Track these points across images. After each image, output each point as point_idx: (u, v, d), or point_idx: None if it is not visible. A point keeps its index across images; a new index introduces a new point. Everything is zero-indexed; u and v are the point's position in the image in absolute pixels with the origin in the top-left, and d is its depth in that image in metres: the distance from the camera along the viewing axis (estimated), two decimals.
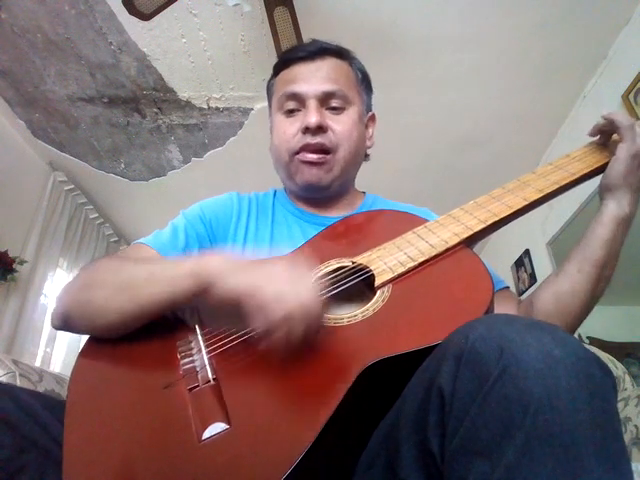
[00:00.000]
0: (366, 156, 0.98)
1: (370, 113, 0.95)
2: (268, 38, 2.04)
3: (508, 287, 0.83)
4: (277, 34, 1.91)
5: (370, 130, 0.95)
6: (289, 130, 0.86)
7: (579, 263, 0.70)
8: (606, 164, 0.72)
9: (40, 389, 0.87)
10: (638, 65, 2.00)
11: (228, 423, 0.49)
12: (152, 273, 0.62)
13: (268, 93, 0.96)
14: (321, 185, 0.85)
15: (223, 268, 0.57)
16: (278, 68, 0.93)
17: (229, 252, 0.62)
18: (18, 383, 0.83)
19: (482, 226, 0.68)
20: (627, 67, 2.07)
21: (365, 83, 0.94)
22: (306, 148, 0.83)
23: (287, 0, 1.82)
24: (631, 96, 2.04)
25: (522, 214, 0.71)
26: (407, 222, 0.74)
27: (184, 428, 0.49)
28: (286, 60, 0.91)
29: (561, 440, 0.33)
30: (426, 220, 0.74)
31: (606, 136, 0.76)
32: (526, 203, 0.70)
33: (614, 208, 0.70)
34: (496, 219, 0.69)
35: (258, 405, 0.51)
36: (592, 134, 0.76)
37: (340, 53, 0.91)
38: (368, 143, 0.94)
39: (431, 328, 0.48)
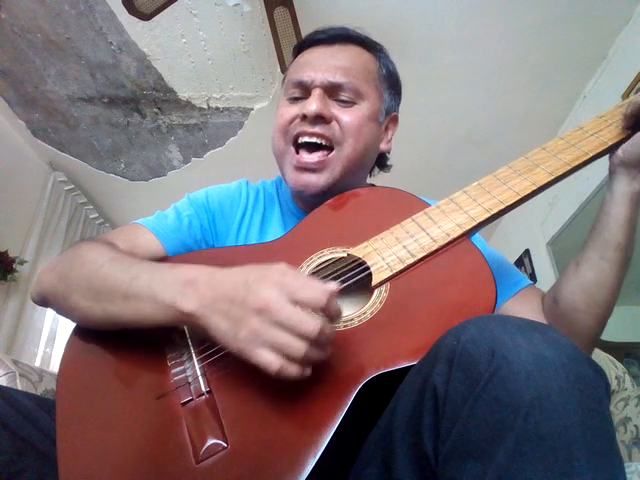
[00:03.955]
0: (385, 166, 0.91)
1: (392, 114, 0.86)
2: (268, 38, 2.04)
3: (531, 284, 0.77)
4: (277, 34, 1.91)
5: (389, 133, 0.86)
6: (287, 114, 0.78)
7: (600, 249, 0.64)
8: (622, 141, 0.65)
9: (40, 389, 0.87)
10: (638, 65, 2.00)
11: (225, 441, 0.47)
12: (130, 291, 0.55)
13: (283, 79, 0.88)
14: (316, 193, 0.75)
15: (204, 305, 0.50)
16: (296, 51, 0.86)
17: (212, 272, 0.54)
18: (18, 383, 0.83)
19: (487, 216, 0.63)
20: (627, 67, 2.07)
21: (390, 81, 0.84)
22: (303, 135, 0.75)
23: (287, 0, 1.82)
24: (631, 96, 2.03)
25: (530, 198, 0.65)
26: (405, 204, 0.69)
27: (180, 447, 0.48)
28: (304, 43, 0.84)
29: (552, 442, 0.33)
30: (425, 203, 0.68)
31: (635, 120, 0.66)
32: (535, 188, 0.63)
33: (626, 185, 0.64)
34: (502, 207, 0.63)
35: (254, 421, 0.49)
36: (626, 126, 0.66)
37: (366, 43, 0.82)
38: (384, 146, 0.85)
39: (432, 340, 0.46)
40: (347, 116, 0.75)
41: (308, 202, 0.82)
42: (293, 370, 0.45)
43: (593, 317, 0.65)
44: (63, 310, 0.63)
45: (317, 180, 0.75)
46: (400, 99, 0.88)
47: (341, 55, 0.78)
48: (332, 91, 0.76)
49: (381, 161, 0.90)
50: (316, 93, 0.75)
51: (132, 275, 0.56)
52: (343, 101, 0.77)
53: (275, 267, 0.50)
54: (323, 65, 0.77)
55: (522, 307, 0.71)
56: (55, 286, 0.63)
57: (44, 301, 0.66)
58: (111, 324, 0.58)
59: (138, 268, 0.58)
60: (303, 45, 0.84)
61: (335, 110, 0.76)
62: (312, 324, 0.45)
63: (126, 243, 0.70)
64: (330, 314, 0.48)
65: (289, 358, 0.45)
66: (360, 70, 0.78)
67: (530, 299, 0.73)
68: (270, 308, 0.46)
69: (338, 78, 0.76)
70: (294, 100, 0.79)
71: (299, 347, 0.45)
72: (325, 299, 0.46)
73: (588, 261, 0.65)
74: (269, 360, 0.45)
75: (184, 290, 0.52)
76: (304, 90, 0.78)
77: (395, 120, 0.87)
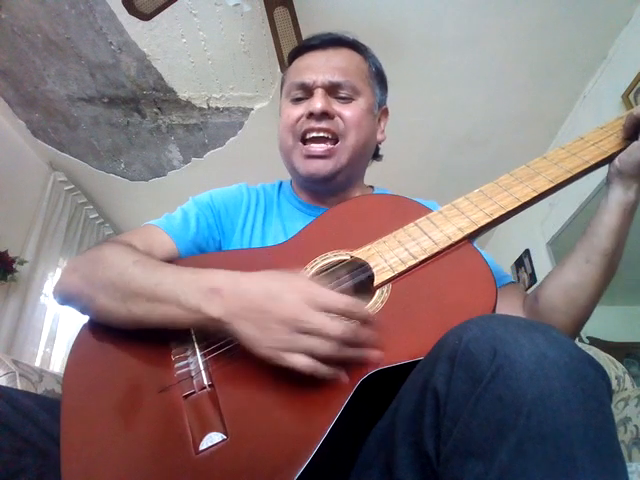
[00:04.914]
0: (378, 156, 0.97)
1: (383, 107, 0.93)
2: (268, 38, 2.05)
3: (514, 282, 0.80)
4: (277, 34, 1.91)
5: (382, 124, 0.93)
6: (293, 114, 0.84)
7: (587, 253, 0.66)
8: (621, 151, 0.67)
9: (40, 389, 0.87)
10: (638, 65, 2.00)
11: (225, 433, 0.48)
12: (155, 296, 0.58)
13: (282, 82, 0.94)
14: (326, 176, 0.82)
15: (232, 312, 0.53)
16: (292, 56, 0.92)
17: (237, 279, 0.57)
18: (18, 383, 0.83)
19: (488, 220, 0.64)
20: (627, 67, 2.07)
21: (379, 78, 0.92)
22: (310, 131, 0.82)
23: (287, 0, 1.82)
24: (631, 96, 2.03)
25: (531, 205, 0.67)
26: (408, 210, 0.71)
27: (181, 438, 0.49)
28: (300, 48, 0.91)
29: (554, 441, 0.33)
30: (428, 209, 0.70)
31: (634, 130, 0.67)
32: (535, 195, 0.65)
33: (621, 194, 0.65)
34: (503, 212, 0.65)
35: (255, 414, 0.50)
36: (626, 136, 0.68)
37: (355, 45, 0.90)
38: (379, 137, 0.92)
39: (432, 337, 0.47)
40: (348, 111, 0.82)
41: (314, 191, 0.88)
42: (324, 371, 0.50)
43: (570, 318, 0.67)
44: (89, 310, 0.65)
45: (325, 165, 0.81)
46: (387, 93, 0.95)
47: (336, 58, 0.86)
48: (332, 90, 0.83)
49: (374, 152, 0.96)
50: (319, 93, 0.82)
51: (156, 280, 0.59)
52: (343, 98, 0.83)
53: (299, 275, 0.56)
54: (322, 67, 0.84)
55: (501, 303, 0.72)
56: (80, 288, 0.65)
57: (68, 302, 0.68)
58: (137, 324, 0.60)
59: (161, 273, 0.61)
60: (299, 51, 0.91)
61: (336, 107, 0.82)
62: (338, 328, 0.50)
63: (143, 243, 0.73)
64: (358, 318, 0.52)
65: (320, 359, 0.50)
66: (354, 69, 0.86)
67: (510, 296, 0.75)
68: (297, 317, 0.50)
69: (337, 78, 0.82)
70: (297, 101, 0.85)
71: (326, 349, 0.49)
72: (345, 306, 0.51)
73: (573, 263, 0.67)
74: (302, 363, 0.49)
75: (209, 297, 0.55)
76: (306, 91, 0.84)
77: (386, 112, 0.95)
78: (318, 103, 0.80)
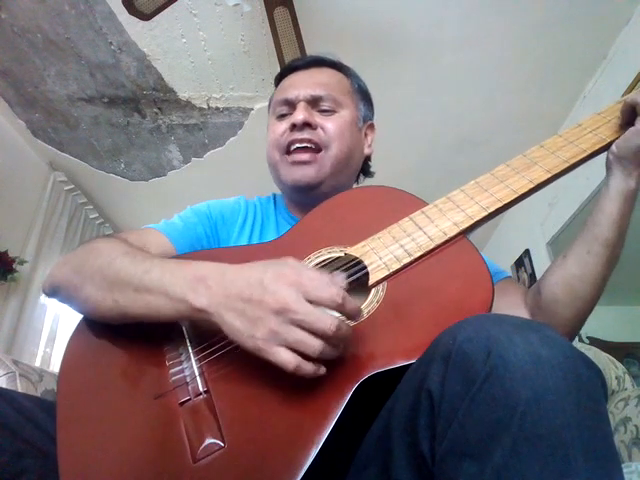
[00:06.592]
0: (368, 172, 0.98)
1: (369, 122, 0.95)
2: (268, 38, 2.05)
3: (510, 277, 0.80)
4: (277, 34, 1.91)
5: (369, 138, 0.94)
6: (278, 129, 0.87)
7: (588, 244, 0.65)
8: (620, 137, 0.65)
9: (40, 389, 0.87)
10: (638, 65, 2.00)
11: (222, 441, 0.48)
12: (142, 284, 0.56)
13: (269, 103, 0.97)
14: (311, 184, 0.82)
15: (217, 302, 0.51)
16: (278, 79, 0.97)
17: (223, 269, 0.54)
18: (18, 383, 0.83)
19: (484, 214, 0.62)
20: (627, 67, 2.07)
21: (362, 94, 0.94)
22: (294, 143, 0.83)
23: (287, 0, 1.82)
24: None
25: (528, 196, 0.65)
26: (403, 203, 0.69)
27: (178, 446, 0.48)
28: (284, 71, 0.96)
29: (549, 441, 0.33)
30: (422, 201, 0.69)
31: (630, 117, 0.66)
32: (532, 186, 0.63)
33: (621, 182, 0.64)
34: (499, 205, 0.63)
35: (251, 421, 0.49)
36: (623, 123, 0.67)
37: (336, 65, 0.93)
38: (367, 150, 0.93)
39: (429, 338, 0.46)
40: (330, 123, 0.85)
41: (301, 203, 0.88)
42: (308, 368, 0.47)
43: (573, 310, 0.66)
44: (75, 301, 0.65)
45: (310, 170, 0.83)
46: (373, 110, 0.97)
47: (318, 75, 0.90)
48: (314, 103, 0.86)
49: (364, 168, 0.97)
50: (301, 105, 0.85)
51: (144, 269, 0.58)
52: (325, 110, 0.86)
53: (288, 264, 0.51)
54: (304, 83, 0.88)
55: (500, 298, 0.72)
56: (69, 278, 0.65)
57: (55, 293, 0.68)
58: (122, 316, 0.58)
59: (150, 263, 0.59)
60: (283, 73, 0.95)
61: (319, 119, 0.85)
62: (328, 322, 0.46)
63: (138, 240, 0.73)
64: (347, 312, 0.49)
65: (305, 356, 0.46)
66: (335, 84, 0.89)
67: (508, 291, 0.75)
68: (289, 308, 0.47)
69: (318, 91, 0.86)
70: (282, 117, 0.89)
71: (315, 345, 0.46)
72: (340, 298, 0.48)
73: (574, 254, 0.67)
74: (286, 359, 0.46)
75: (195, 286, 0.52)
76: (290, 106, 0.87)
77: (372, 127, 0.96)
78: (300, 115, 0.82)
